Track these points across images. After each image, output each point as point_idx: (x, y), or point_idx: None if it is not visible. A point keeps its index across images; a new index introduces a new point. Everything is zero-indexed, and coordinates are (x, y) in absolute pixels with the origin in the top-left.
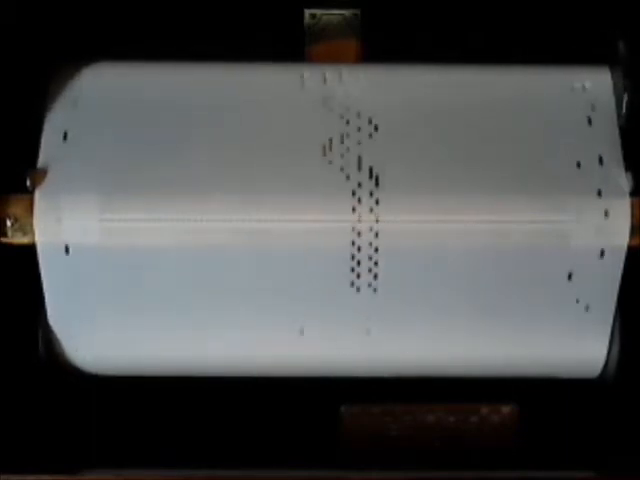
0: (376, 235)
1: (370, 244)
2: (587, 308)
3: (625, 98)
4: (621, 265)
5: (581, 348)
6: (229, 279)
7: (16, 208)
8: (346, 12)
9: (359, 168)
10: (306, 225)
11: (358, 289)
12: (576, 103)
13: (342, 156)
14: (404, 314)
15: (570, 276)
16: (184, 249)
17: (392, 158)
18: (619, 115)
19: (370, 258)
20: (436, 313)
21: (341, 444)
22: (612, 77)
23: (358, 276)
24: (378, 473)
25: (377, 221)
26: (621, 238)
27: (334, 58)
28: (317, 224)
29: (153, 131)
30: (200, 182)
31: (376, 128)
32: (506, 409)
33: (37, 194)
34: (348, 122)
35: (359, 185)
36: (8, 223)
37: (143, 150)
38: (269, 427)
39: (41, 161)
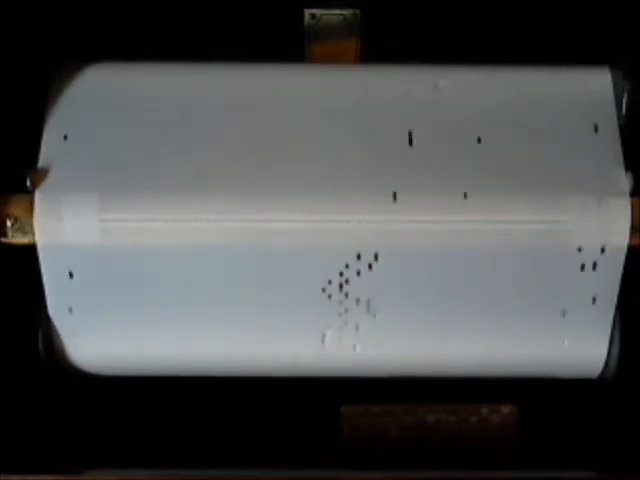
0: (376, 234)
1: (371, 244)
2: (587, 308)
3: (625, 98)
4: (621, 265)
5: (581, 348)
6: (229, 279)
7: (16, 208)
8: (346, 12)
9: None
10: (307, 225)
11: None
12: (576, 103)
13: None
14: (404, 314)
15: (570, 276)
16: (184, 249)
17: None
18: (619, 115)
19: (371, 259)
20: (436, 313)
21: (341, 444)
22: (612, 77)
23: (359, 275)
24: (378, 473)
25: (377, 222)
26: (621, 238)
27: (334, 58)
28: (318, 224)
29: (153, 131)
30: (200, 182)
31: None
32: (506, 409)
33: (37, 194)
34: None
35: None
36: (8, 223)
37: (143, 150)
38: (269, 427)
39: (41, 161)
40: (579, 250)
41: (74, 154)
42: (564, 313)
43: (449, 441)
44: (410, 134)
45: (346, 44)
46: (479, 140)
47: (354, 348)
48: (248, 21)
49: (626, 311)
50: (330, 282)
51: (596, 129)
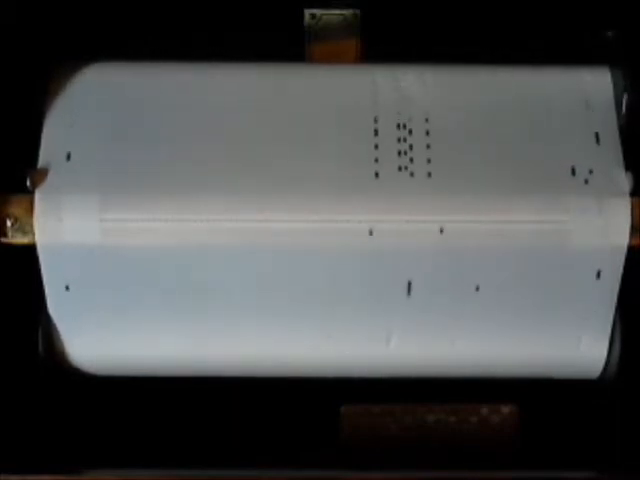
0: (377, 234)
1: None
2: (587, 308)
3: (625, 98)
4: (621, 265)
5: (581, 349)
6: (229, 279)
7: (16, 208)
8: (346, 12)
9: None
10: (307, 225)
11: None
12: (576, 103)
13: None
14: (404, 315)
15: (570, 276)
16: (184, 249)
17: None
18: (619, 115)
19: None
20: (436, 313)
21: (341, 444)
22: (612, 77)
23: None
24: (378, 473)
25: (377, 221)
26: (621, 238)
27: (334, 58)
28: (318, 224)
29: (153, 131)
30: (200, 182)
31: (376, 132)
32: (506, 409)
33: (37, 194)
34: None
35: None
36: (8, 223)
37: (143, 150)
38: (269, 427)
39: (41, 161)
40: (579, 250)
41: (74, 154)
42: (564, 313)
43: (449, 441)
44: (410, 132)
45: (346, 44)
46: (479, 139)
47: (355, 348)
48: (248, 21)
49: (626, 311)
50: (329, 282)
51: (596, 129)
